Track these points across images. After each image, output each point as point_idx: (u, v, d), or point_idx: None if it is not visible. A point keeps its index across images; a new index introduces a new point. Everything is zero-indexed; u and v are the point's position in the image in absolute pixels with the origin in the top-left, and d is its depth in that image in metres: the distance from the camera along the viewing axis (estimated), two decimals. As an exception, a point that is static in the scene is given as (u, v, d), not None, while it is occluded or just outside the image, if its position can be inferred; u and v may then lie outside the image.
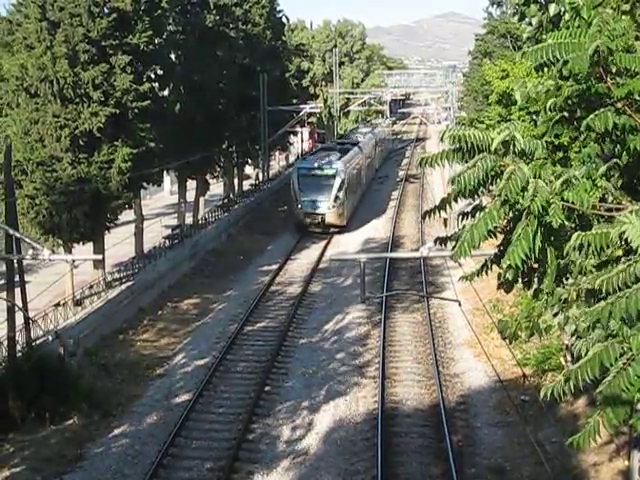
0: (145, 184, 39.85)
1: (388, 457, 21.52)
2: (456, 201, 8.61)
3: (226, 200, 57.71)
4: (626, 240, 7.51)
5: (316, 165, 55.15)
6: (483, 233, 7.95)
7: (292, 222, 55.05)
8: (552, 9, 9.26)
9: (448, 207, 8.74)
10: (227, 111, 52.12)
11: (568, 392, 7.90)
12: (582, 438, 7.89)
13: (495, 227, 8.24)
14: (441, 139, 8.40)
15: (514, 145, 8.02)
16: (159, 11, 37.87)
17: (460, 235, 8.19)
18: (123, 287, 36.19)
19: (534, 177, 7.89)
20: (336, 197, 53.07)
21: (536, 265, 8.65)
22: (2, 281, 32.32)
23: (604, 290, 7.60)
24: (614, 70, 8.48)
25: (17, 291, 26.12)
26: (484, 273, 9.56)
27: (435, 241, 9.98)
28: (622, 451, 20.02)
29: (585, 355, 7.96)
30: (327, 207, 52.86)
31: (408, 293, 37.37)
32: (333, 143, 72.67)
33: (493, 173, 8.00)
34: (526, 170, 7.79)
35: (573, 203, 8.08)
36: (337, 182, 53.23)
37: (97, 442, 23.06)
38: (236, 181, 64.54)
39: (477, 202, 8.79)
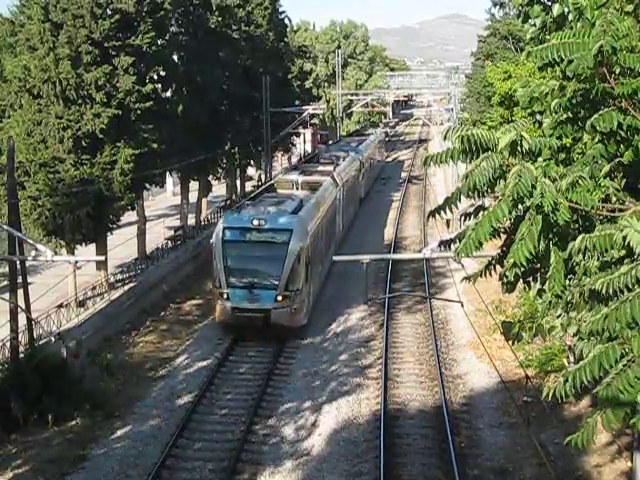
0: (148, 185, 39.90)
1: (391, 458, 21.50)
2: (460, 200, 8.59)
3: (228, 201, 57.72)
4: (629, 242, 7.53)
5: (256, 222, 31.56)
6: (487, 232, 7.94)
7: (215, 319, 33.12)
8: (556, 9, 9.27)
9: (453, 206, 8.73)
10: (230, 112, 52.16)
11: (570, 393, 7.91)
12: (580, 438, 7.91)
13: (499, 227, 8.24)
14: (444, 137, 8.39)
15: (521, 145, 8.01)
16: (162, 12, 37.92)
17: (464, 235, 8.18)
18: (126, 288, 36.23)
19: (542, 176, 7.89)
20: (289, 280, 30.98)
21: (538, 265, 8.64)
22: (5, 282, 32.37)
23: (606, 292, 7.61)
24: (618, 70, 8.48)
25: (20, 292, 26.14)
26: (487, 274, 9.56)
27: (439, 245, 9.98)
28: (625, 453, 20.02)
29: (586, 357, 7.97)
30: (273, 299, 30.78)
31: (411, 294, 37.37)
32: (294, 174, 46.19)
33: (499, 173, 8.00)
34: (533, 169, 7.79)
35: (577, 203, 8.08)
36: (292, 254, 31.07)
37: (100, 443, 23.05)
38: (238, 182, 64.57)
39: (480, 203, 8.78)
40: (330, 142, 78.91)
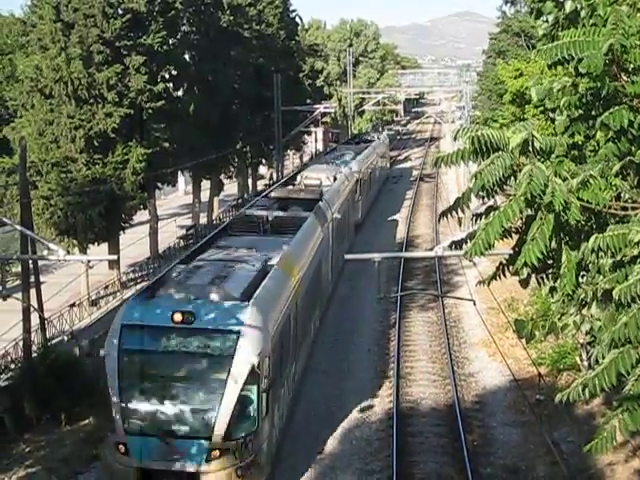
0: (159, 184, 40.05)
1: (403, 457, 21.47)
2: (470, 200, 8.56)
3: (240, 200, 57.80)
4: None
5: (178, 317, 17.69)
6: (498, 232, 7.90)
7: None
8: (568, 6, 9.19)
9: (465, 206, 8.69)
10: (241, 111, 52.25)
11: (586, 398, 7.89)
12: (599, 444, 7.87)
13: (510, 227, 8.20)
14: (454, 138, 8.36)
15: (533, 144, 7.97)
16: (173, 12, 38.06)
17: (474, 234, 8.14)
18: (138, 287, 36.28)
19: (554, 175, 7.85)
20: (233, 421, 17.39)
21: (550, 262, 8.61)
22: (18, 282, 32.48)
23: (622, 299, 7.56)
24: (630, 68, 8.42)
25: (32, 292, 26.22)
26: (501, 275, 9.50)
27: (450, 245, 9.94)
28: (638, 451, 19.93)
29: (601, 360, 7.94)
30: (204, 455, 17.26)
31: (423, 292, 37.28)
32: (262, 208, 31.54)
33: (510, 172, 7.96)
34: (545, 169, 7.75)
35: (588, 202, 8.04)
36: (238, 374, 17.39)
37: (112, 442, 23.06)
38: (250, 181, 64.64)
39: (491, 202, 8.75)
40: (317, 157, 65.75)
